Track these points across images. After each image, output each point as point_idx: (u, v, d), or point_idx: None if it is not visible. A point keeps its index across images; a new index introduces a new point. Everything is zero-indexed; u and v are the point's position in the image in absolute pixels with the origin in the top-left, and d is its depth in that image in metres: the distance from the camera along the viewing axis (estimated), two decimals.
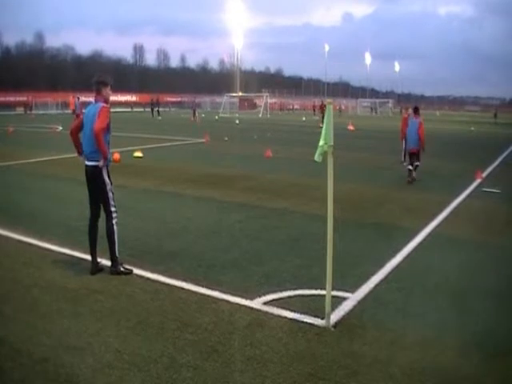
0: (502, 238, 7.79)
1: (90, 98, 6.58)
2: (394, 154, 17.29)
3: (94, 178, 5.77)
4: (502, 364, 4.06)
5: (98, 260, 5.86)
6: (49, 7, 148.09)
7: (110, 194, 5.78)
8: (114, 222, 5.77)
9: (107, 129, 5.71)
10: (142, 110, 67.36)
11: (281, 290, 5.33)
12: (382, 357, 4.06)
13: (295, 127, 38.39)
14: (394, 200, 10.56)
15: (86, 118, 5.81)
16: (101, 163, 5.68)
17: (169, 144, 21.77)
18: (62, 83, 73.89)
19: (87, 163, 5.83)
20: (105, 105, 5.76)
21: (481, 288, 5.66)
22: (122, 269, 5.77)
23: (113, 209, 5.79)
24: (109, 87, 5.89)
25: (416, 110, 13.50)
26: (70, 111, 42.96)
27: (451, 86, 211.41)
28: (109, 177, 5.80)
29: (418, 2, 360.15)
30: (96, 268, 5.81)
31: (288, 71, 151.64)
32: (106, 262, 5.87)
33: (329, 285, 4.57)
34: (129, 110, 69.35)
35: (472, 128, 42.37)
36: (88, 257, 5.89)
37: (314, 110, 64.77)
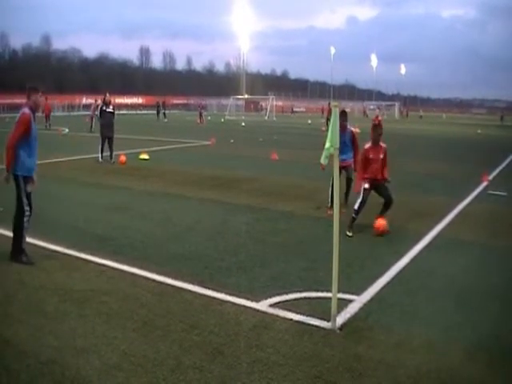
0: (509, 240, 7.75)
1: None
2: (398, 156, 17.25)
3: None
4: (508, 366, 4.05)
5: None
6: (55, 11, 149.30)
7: (23, 196, 6.04)
8: (25, 219, 6.07)
9: (27, 136, 5.93)
10: (148, 112, 67.40)
11: (287, 293, 5.33)
12: (387, 359, 4.05)
13: (301, 130, 38.37)
14: (400, 202, 10.51)
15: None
16: (5, 175, 5.91)
17: (175, 146, 21.80)
18: (68, 85, 74.12)
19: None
20: (26, 111, 5.97)
21: (487, 290, 5.64)
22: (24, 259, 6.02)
23: (26, 208, 6.06)
24: (39, 94, 6.15)
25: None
26: (76, 113, 43.05)
27: (457, 89, 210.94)
28: (25, 182, 6.02)
29: (420, 6, 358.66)
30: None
31: (294, 74, 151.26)
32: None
33: (335, 287, 4.56)
34: (141, 112, 69.76)
35: (479, 131, 42.22)
36: (94, 258, 5.91)
37: (323, 113, 64.47)
